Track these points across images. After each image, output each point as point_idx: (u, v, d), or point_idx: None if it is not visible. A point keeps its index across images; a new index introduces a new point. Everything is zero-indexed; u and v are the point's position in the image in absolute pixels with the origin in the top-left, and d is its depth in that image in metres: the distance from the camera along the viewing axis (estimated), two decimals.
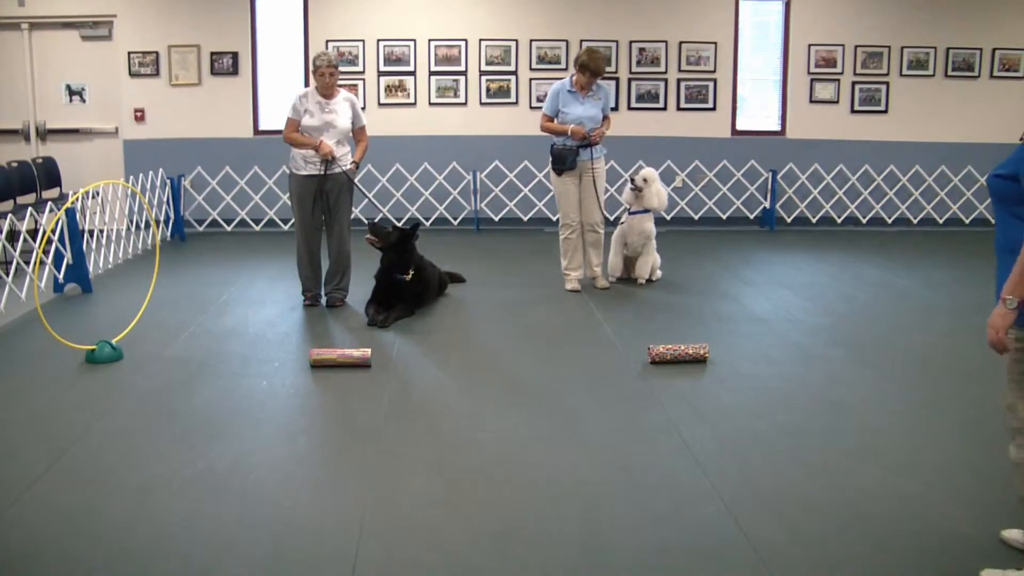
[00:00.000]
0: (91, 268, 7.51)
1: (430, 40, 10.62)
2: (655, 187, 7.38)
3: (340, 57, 10.21)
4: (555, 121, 7.06)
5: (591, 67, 6.87)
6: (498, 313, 6.63)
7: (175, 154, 10.29)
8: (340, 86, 6.63)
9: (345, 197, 6.60)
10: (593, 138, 6.96)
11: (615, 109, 9.92)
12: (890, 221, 10.97)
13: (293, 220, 6.82)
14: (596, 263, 7.30)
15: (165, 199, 9.87)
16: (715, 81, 10.88)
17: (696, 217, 10.82)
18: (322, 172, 6.44)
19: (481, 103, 10.73)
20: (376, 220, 6.73)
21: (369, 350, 5.26)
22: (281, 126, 6.56)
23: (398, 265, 6.35)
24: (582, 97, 7.00)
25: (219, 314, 6.51)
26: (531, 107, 10.61)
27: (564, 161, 6.98)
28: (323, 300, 6.75)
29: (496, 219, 10.66)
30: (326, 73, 6.38)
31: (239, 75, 10.47)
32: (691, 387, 4.96)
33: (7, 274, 6.61)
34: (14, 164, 8.80)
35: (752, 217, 10.99)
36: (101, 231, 8.26)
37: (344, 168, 6.49)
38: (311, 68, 6.53)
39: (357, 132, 6.66)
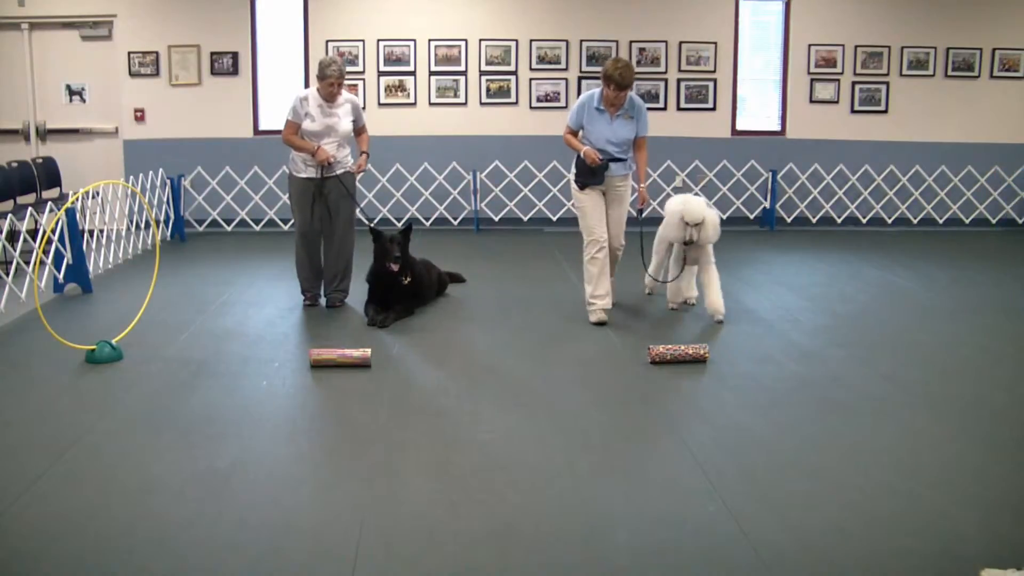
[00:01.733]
0: (91, 268, 7.51)
1: (430, 40, 10.62)
2: (709, 231, 6.24)
3: (340, 57, 10.21)
4: (578, 136, 6.25)
5: (615, 78, 5.92)
6: (498, 313, 6.62)
7: (175, 154, 10.30)
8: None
9: (346, 198, 6.59)
10: (639, 204, 6.23)
11: None
12: (890, 221, 10.98)
13: (293, 221, 6.82)
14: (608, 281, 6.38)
15: (165, 199, 9.87)
16: (715, 81, 10.88)
17: None
18: (319, 176, 6.44)
19: (481, 103, 10.73)
20: (376, 225, 6.63)
21: (369, 350, 5.26)
22: (281, 126, 6.55)
23: (401, 269, 6.29)
24: (611, 116, 6.11)
25: (219, 314, 6.51)
26: (531, 107, 10.60)
27: (593, 175, 6.11)
28: (323, 300, 6.75)
29: (496, 219, 10.66)
30: (335, 84, 6.33)
31: (239, 75, 10.48)
32: (691, 387, 4.96)
33: (7, 274, 6.61)
34: (14, 164, 8.80)
35: (752, 217, 10.99)
36: (101, 231, 8.26)
37: (338, 174, 6.46)
38: (319, 74, 6.31)
39: (358, 131, 6.65)
